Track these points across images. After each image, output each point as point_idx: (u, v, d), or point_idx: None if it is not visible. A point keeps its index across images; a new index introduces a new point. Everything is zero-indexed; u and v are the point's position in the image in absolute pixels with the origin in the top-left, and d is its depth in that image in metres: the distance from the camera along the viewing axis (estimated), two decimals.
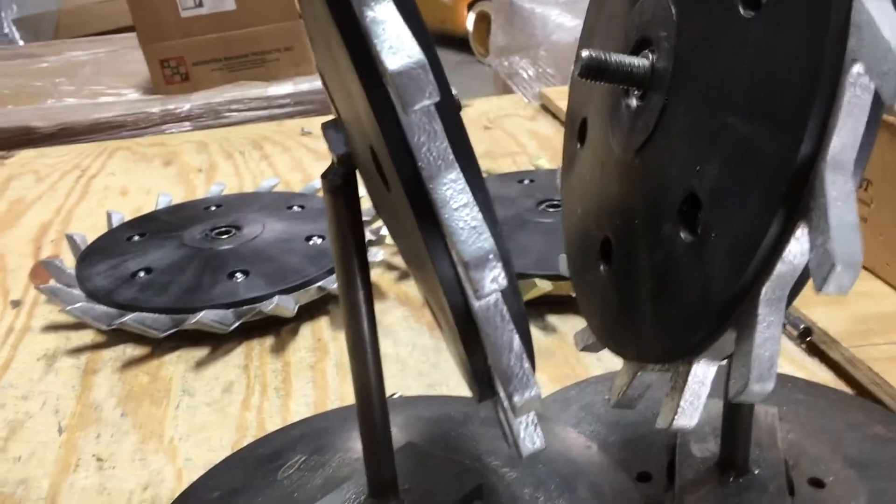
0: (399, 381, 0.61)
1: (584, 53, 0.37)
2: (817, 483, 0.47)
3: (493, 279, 0.25)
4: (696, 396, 0.33)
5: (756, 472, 0.47)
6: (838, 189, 0.26)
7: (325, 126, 0.37)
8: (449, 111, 0.27)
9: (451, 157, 0.26)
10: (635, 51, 0.39)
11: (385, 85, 0.26)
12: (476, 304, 0.28)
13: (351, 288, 0.40)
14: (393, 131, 0.26)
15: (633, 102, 0.39)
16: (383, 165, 0.29)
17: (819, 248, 0.26)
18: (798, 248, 0.28)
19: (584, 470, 0.49)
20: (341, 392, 0.60)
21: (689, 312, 0.32)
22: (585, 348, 0.43)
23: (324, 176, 0.37)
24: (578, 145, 0.46)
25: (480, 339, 0.30)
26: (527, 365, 0.29)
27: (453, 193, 0.26)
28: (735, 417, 0.46)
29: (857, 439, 0.51)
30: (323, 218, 0.80)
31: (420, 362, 0.64)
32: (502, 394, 0.31)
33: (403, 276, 0.76)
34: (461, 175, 0.26)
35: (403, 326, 0.68)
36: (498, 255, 0.25)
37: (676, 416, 0.33)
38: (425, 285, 0.34)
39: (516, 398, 0.28)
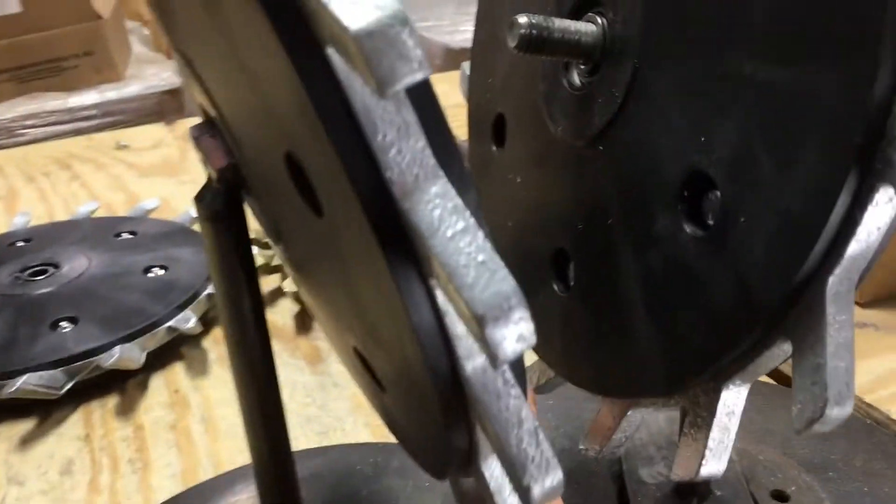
0: None
1: (522, 20, 0.29)
2: (781, 496, 0.43)
3: (520, 337, 0.17)
4: (725, 433, 0.26)
5: (717, 493, 0.42)
6: None
7: (197, 131, 0.27)
8: (419, 90, 0.18)
9: (433, 161, 0.18)
10: (575, 15, 0.32)
11: (327, 55, 0.17)
12: (470, 367, 0.20)
13: (244, 337, 0.30)
14: (342, 129, 0.18)
15: (578, 80, 0.32)
16: (316, 181, 0.20)
17: None
18: (877, 218, 0.21)
19: None
20: (214, 454, 0.50)
21: (716, 324, 0.25)
22: (539, 389, 0.36)
23: (198, 198, 0.28)
24: (494, 147, 0.38)
25: (468, 409, 0.21)
26: (545, 444, 0.21)
27: (443, 214, 0.18)
28: None
29: (804, 438, 0.47)
30: (161, 244, 0.69)
31: (305, 405, 0.54)
32: (493, 474, 0.23)
33: (266, 303, 0.66)
34: (450, 186, 0.18)
35: (277, 363, 0.58)
36: (523, 300, 0.17)
37: (704, 462, 0.26)
38: (356, 328, 0.26)
39: (536, 490, 0.20)
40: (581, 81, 0.32)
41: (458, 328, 0.20)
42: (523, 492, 0.20)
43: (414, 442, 0.27)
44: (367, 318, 0.23)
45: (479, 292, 0.17)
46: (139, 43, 1.64)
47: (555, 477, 0.21)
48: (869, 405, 0.50)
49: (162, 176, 0.91)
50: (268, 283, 0.67)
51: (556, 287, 0.33)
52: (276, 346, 0.61)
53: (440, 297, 0.19)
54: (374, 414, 0.30)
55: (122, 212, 0.82)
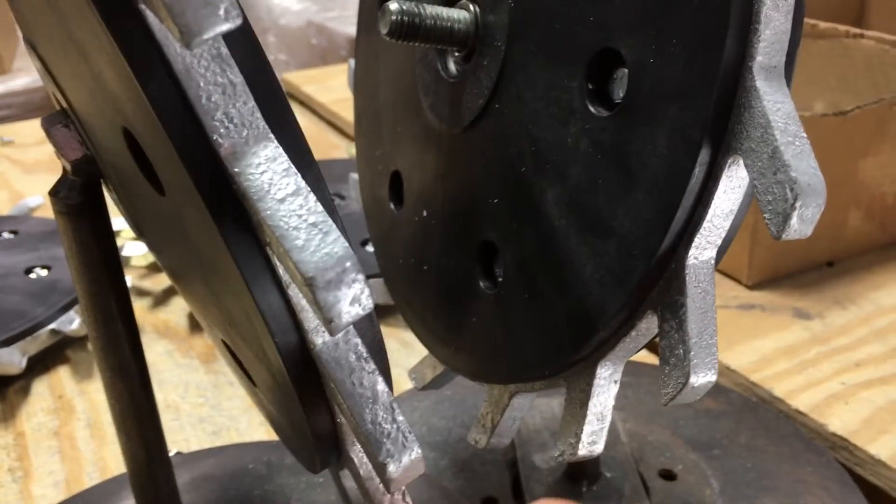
0: (174, 434, 0.50)
1: (393, 6, 0.29)
2: (668, 475, 0.43)
3: (355, 299, 0.17)
4: (603, 408, 0.26)
5: (608, 475, 0.42)
6: (778, 104, 0.20)
7: (48, 122, 0.25)
8: (246, 49, 0.17)
9: (262, 122, 0.17)
10: (449, 2, 0.32)
11: (140, 10, 0.16)
12: (319, 341, 0.19)
13: (110, 338, 0.29)
14: (163, 92, 0.17)
15: (454, 67, 0.32)
16: (150, 154, 0.19)
17: (770, 181, 0.20)
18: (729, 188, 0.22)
19: None
20: (100, 460, 0.48)
21: (591, 299, 0.25)
22: (429, 385, 0.36)
23: (53, 193, 0.26)
24: (392, 206, 0.37)
25: (324, 389, 0.21)
26: (400, 418, 0.20)
27: (273, 177, 0.17)
28: None
29: (692, 417, 0.48)
30: (45, 243, 0.66)
31: (197, 405, 0.52)
32: (362, 460, 0.22)
33: (159, 301, 0.64)
34: (280, 148, 0.17)
35: (168, 363, 0.57)
36: (356, 262, 0.17)
37: (581, 440, 0.26)
38: (218, 317, 0.25)
39: (392, 467, 0.20)
40: (456, 70, 0.32)
41: (304, 300, 0.19)
42: (380, 469, 0.20)
43: (288, 436, 0.26)
44: (222, 305, 0.22)
45: (309, 254, 0.16)
46: None
47: (412, 453, 0.20)
48: (753, 383, 0.51)
49: (48, 173, 0.87)
50: (160, 282, 0.65)
51: (482, 286, 0.32)
52: (169, 346, 0.59)
53: (282, 268, 0.19)
54: None
55: (4, 210, 0.79)
